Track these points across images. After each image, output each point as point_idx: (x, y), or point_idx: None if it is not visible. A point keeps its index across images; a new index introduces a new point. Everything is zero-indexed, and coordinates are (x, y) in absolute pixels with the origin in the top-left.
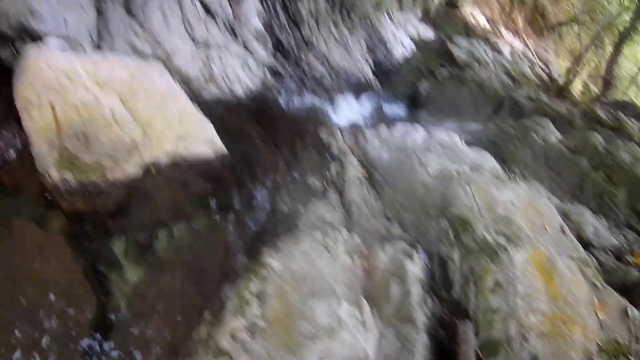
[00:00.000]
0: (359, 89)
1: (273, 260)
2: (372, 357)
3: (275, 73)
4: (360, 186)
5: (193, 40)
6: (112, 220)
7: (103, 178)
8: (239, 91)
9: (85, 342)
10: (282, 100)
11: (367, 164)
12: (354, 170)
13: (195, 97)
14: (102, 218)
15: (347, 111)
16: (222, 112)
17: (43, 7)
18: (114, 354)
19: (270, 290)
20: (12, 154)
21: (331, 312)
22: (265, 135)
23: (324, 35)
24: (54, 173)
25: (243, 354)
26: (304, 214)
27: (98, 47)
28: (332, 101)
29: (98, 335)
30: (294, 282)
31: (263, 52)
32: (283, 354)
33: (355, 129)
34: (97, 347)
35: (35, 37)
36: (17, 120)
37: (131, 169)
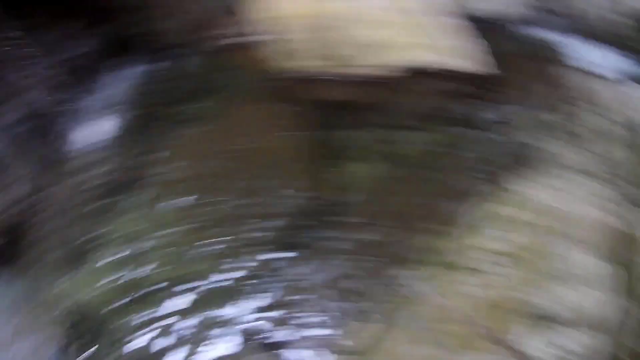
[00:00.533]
0: None
1: (518, 187)
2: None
3: None
4: None
5: None
6: (361, 113)
7: (355, 72)
8: None
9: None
10: None
11: None
12: None
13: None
14: (351, 109)
15: None
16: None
17: None
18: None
19: (515, 218)
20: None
21: (578, 261)
22: None
23: None
24: (307, 62)
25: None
26: (543, 151)
27: None
28: None
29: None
30: (541, 216)
31: None
32: (521, 284)
33: None
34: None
35: None
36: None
37: (384, 68)
